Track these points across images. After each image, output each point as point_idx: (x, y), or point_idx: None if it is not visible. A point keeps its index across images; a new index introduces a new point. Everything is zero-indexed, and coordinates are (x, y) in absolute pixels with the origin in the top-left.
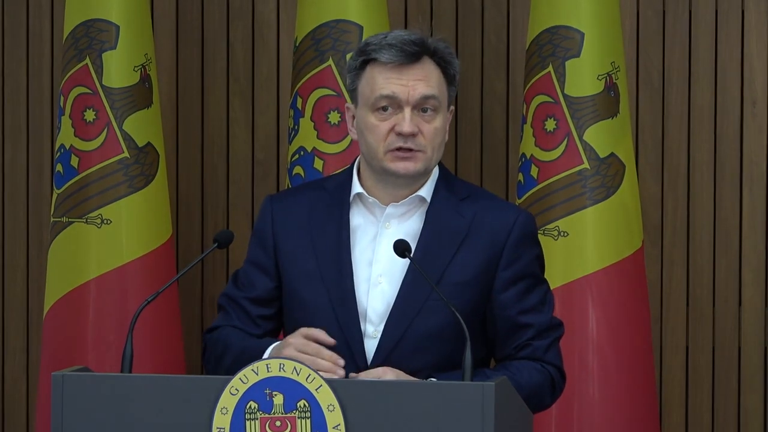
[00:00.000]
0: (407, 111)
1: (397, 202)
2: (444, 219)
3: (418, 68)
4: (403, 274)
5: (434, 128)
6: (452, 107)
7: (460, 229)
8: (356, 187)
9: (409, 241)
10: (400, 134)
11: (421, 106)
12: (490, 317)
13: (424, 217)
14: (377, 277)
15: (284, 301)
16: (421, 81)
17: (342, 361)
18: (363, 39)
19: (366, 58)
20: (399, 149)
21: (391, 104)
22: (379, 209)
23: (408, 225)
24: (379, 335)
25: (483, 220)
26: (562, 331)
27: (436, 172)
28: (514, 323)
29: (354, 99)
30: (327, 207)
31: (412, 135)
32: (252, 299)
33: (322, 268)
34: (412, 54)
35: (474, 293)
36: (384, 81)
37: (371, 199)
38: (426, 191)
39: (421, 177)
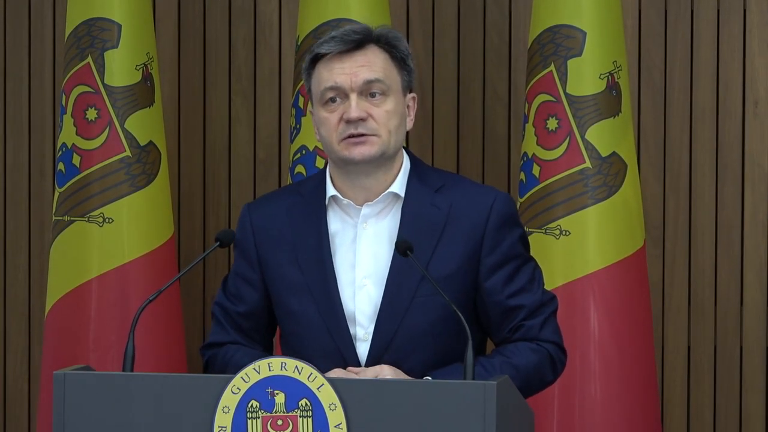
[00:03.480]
0: (353, 97)
1: (371, 200)
2: (420, 213)
3: (360, 55)
4: (387, 274)
5: (385, 111)
6: (412, 93)
7: (438, 221)
8: (330, 190)
9: (386, 241)
10: (348, 121)
11: (367, 91)
12: (480, 304)
13: (400, 213)
14: (362, 280)
15: (274, 311)
16: (363, 66)
17: None
18: None
19: (312, 56)
20: (350, 136)
21: (337, 95)
22: (355, 210)
23: (385, 223)
24: (370, 337)
25: (460, 209)
26: (556, 305)
27: (407, 164)
28: (505, 307)
29: (311, 101)
30: (304, 214)
31: (361, 120)
32: (242, 314)
33: (308, 278)
34: (351, 42)
35: (461, 284)
36: (328, 73)
37: (345, 200)
38: (398, 186)
39: (383, 165)
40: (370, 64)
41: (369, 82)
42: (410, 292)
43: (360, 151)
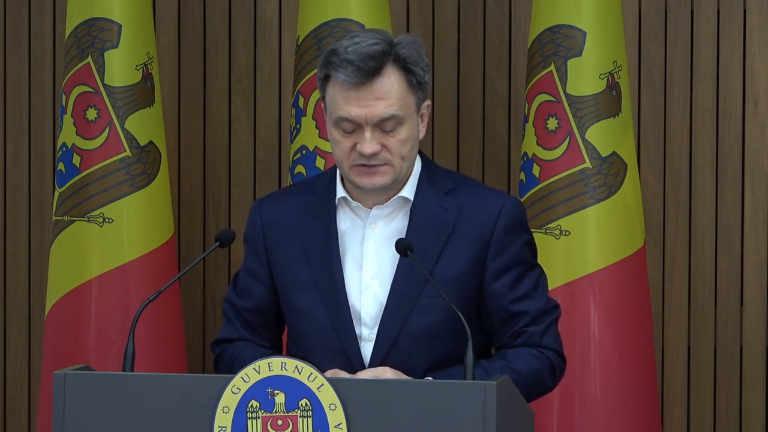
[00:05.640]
0: (367, 132)
1: (381, 204)
2: (429, 215)
3: (377, 85)
4: (393, 275)
5: (399, 141)
6: (427, 103)
7: (446, 223)
8: (340, 192)
9: (394, 243)
10: (362, 154)
11: (381, 126)
12: (484, 308)
13: (408, 215)
14: (368, 280)
15: (282, 307)
16: (380, 101)
17: None
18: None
19: (327, 73)
20: (363, 165)
21: (351, 124)
22: (364, 212)
23: (394, 225)
24: (374, 337)
25: (468, 212)
26: (558, 314)
27: (417, 167)
28: (508, 312)
29: (326, 112)
30: (314, 212)
31: (374, 154)
32: (251, 309)
33: (315, 275)
34: (369, 72)
35: (466, 287)
36: (343, 102)
37: (354, 203)
38: (408, 191)
39: (396, 183)
40: (387, 96)
41: (384, 120)
42: (415, 293)
43: (371, 181)
